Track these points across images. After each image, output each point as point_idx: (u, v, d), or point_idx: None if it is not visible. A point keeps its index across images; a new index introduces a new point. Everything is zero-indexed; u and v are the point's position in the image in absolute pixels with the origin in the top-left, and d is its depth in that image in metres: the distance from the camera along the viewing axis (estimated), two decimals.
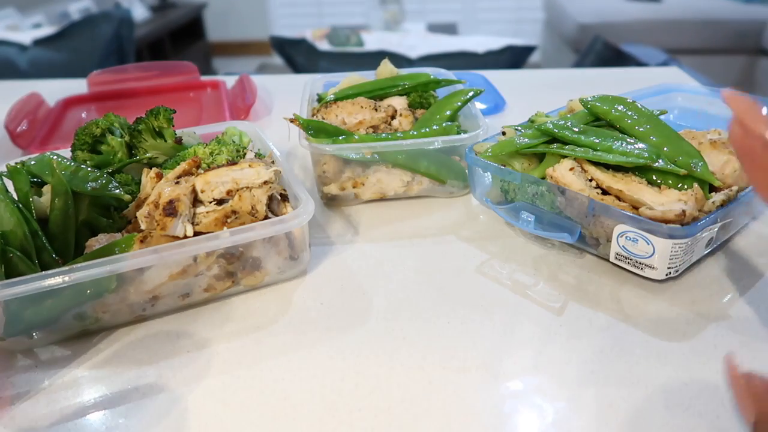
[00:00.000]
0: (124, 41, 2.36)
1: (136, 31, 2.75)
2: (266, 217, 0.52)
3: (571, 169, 0.55)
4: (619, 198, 0.54)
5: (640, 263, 0.52)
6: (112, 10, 2.45)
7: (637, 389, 0.43)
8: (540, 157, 0.61)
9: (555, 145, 0.58)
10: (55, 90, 1.09)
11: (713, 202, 0.52)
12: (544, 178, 0.57)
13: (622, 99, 0.62)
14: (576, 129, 0.58)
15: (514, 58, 2.06)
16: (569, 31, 3.01)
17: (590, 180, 0.56)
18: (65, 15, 2.93)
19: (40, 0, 3.04)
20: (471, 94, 0.72)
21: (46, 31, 2.33)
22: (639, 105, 0.61)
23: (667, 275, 0.51)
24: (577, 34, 2.90)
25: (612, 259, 0.54)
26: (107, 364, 0.47)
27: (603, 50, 1.84)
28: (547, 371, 0.45)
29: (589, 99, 0.62)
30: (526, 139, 0.60)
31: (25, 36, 2.23)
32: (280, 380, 0.45)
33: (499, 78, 1.11)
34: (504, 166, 0.60)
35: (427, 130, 0.66)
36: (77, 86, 1.12)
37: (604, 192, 0.55)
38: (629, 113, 0.60)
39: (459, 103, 0.71)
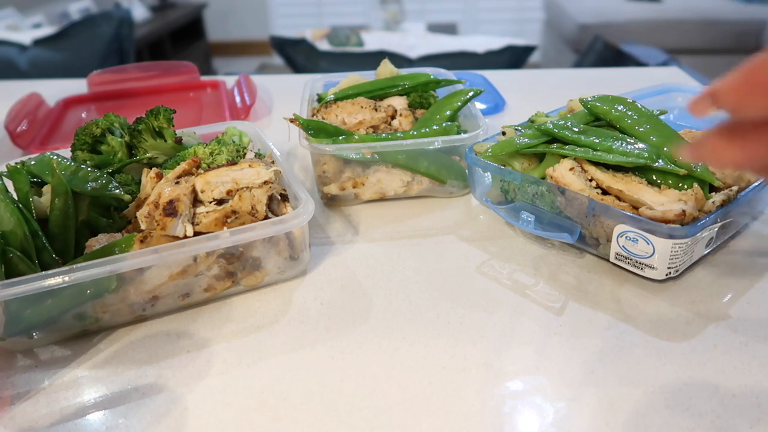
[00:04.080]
0: (124, 41, 2.36)
1: (136, 31, 2.76)
2: (266, 217, 0.52)
3: (571, 169, 0.55)
4: (619, 198, 0.54)
5: (640, 263, 0.52)
6: (112, 10, 2.45)
7: (637, 389, 0.43)
8: (540, 157, 0.61)
9: (555, 145, 0.58)
10: (55, 90, 1.10)
11: (713, 202, 0.52)
12: (544, 178, 0.57)
13: (622, 99, 0.62)
14: (576, 129, 0.58)
15: (514, 58, 2.06)
16: (569, 31, 3.01)
17: (590, 180, 0.56)
18: (65, 15, 2.93)
19: (40, 0, 3.04)
20: (471, 94, 0.72)
21: (46, 31, 2.33)
22: (639, 105, 0.61)
23: (667, 275, 0.51)
24: (577, 34, 2.91)
25: (612, 259, 0.54)
26: (107, 364, 0.47)
27: (603, 50, 1.84)
28: (548, 371, 0.45)
29: (589, 99, 0.62)
30: (526, 139, 0.60)
31: (25, 36, 2.23)
32: (280, 380, 0.45)
33: (499, 78, 1.11)
34: (504, 166, 0.60)
35: (427, 130, 0.66)
36: (77, 86, 1.12)
37: (604, 192, 0.55)
38: (629, 113, 0.60)
39: (459, 103, 0.71)
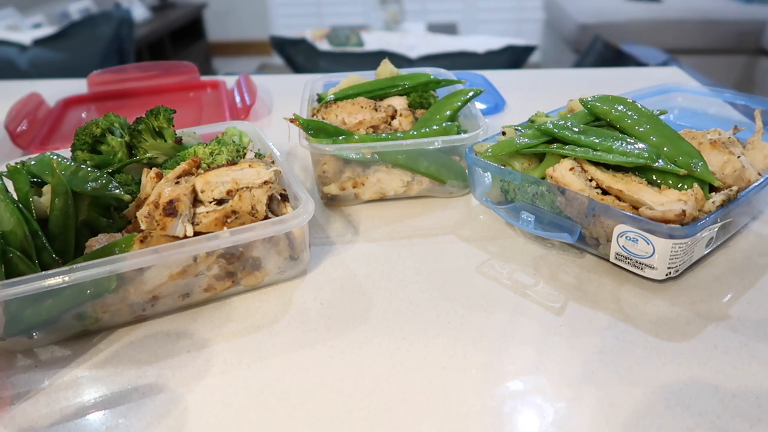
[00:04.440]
0: (124, 41, 2.36)
1: (136, 31, 2.76)
2: (266, 217, 0.52)
3: (571, 169, 0.55)
4: (619, 198, 0.54)
5: (640, 263, 0.52)
6: (112, 10, 2.45)
7: (637, 389, 0.43)
8: (540, 157, 0.61)
9: (555, 145, 0.58)
10: (55, 90, 1.10)
11: (713, 202, 0.52)
12: (544, 178, 0.57)
13: (622, 99, 0.62)
14: (576, 129, 0.58)
15: (514, 58, 2.06)
16: (569, 31, 3.01)
17: (590, 180, 0.56)
18: (65, 15, 2.93)
19: (40, 0, 3.04)
20: (471, 94, 0.72)
21: (46, 31, 2.33)
22: (639, 105, 0.61)
23: (667, 275, 0.51)
24: (577, 34, 2.90)
25: (612, 259, 0.54)
26: (107, 364, 0.47)
27: (603, 50, 1.84)
28: (548, 371, 0.45)
29: (589, 99, 0.63)
30: (526, 139, 0.60)
31: (25, 36, 2.23)
32: (280, 380, 0.45)
33: (499, 78, 1.11)
34: (504, 166, 0.60)
35: (427, 130, 0.66)
36: (77, 86, 1.12)
37: (604, 192, 0.55)
38: (629, 113, 0.60)
39: (459, 103, 0.71)
